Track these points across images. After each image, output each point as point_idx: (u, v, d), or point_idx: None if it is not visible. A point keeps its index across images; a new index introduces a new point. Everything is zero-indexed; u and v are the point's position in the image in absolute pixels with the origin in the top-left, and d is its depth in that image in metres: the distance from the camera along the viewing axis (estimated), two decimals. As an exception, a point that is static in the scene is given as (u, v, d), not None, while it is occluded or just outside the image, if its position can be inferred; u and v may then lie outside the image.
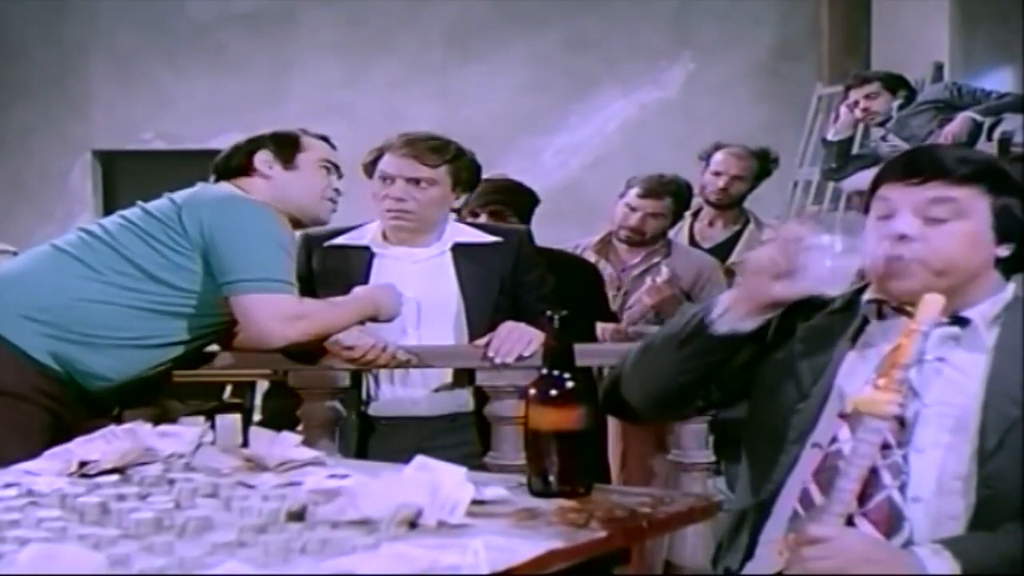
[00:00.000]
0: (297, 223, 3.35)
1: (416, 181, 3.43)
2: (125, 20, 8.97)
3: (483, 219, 4.02)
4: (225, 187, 3.31)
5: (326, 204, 3.37)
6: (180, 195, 3.22)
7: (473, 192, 3.67)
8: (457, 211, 3.74)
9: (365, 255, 3.48)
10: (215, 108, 8.78)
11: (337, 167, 3.41)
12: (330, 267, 3.47)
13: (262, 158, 3.33)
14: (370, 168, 3.52)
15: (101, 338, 3.09)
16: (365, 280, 3.41)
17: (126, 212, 3.23)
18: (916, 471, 2.03)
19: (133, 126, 9.08)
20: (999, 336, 2.11)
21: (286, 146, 3.37)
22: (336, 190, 3.39)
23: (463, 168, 3.51)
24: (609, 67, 8.75)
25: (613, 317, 4.37)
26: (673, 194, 4.74)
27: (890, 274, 2.12)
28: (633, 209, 4.69)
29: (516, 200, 4.22)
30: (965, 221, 2.12)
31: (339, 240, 3.52)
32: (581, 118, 8.76)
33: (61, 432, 2.65)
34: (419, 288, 3.38)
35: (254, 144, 3.37)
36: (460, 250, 3.47)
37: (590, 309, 4.18)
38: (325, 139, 3.45)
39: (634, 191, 4.71)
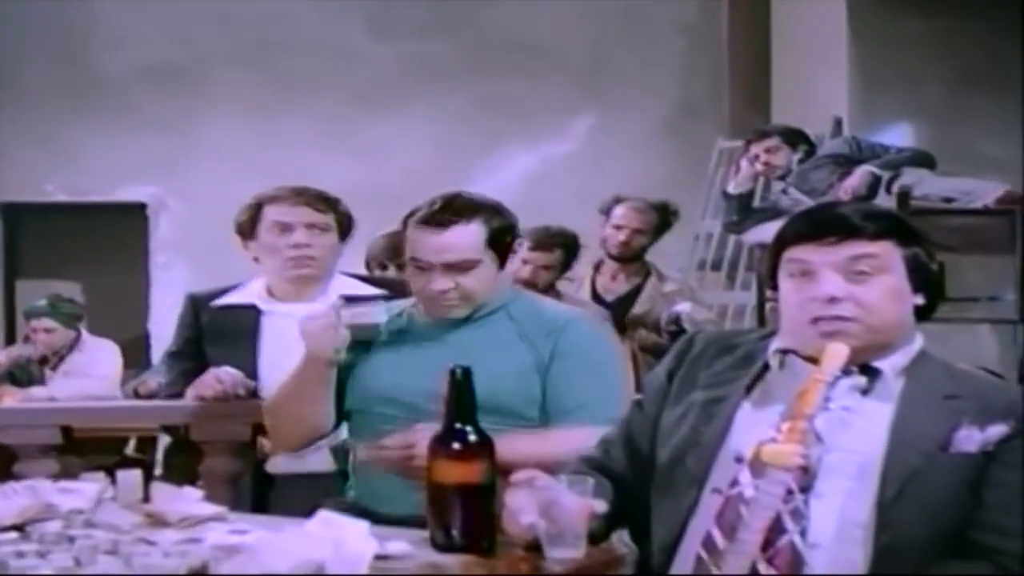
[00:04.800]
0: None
1: (316, 227, 3.44)
2: (31, 71, 8.85)
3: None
4: None
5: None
6: None
7: (345, 242, 3.61)
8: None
9: (252, 313, 3.47)
10: (121, 161, 8.67)
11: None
12: (219, 327, 3.46)
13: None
14: (248, 226, 3.50)
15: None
16: (255, 338, 3.40)
17: None
18: (816, 517, 2.05)
19: (36, 178, 8.93)
20: (905, 386, 2.14)
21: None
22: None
23: (344, 216, 3.54)
24: (517, 123, 8.81)
25: None
26: (562, 246, 4.83)
27: (824, 335, 2.13)
28: (525, 262, 4.75)
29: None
30: (887, 275, 2.15)
31: (225, 300, 3.51)
32: (487, 172, 8.79)
33: None
34: None
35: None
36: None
37: None
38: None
39: (524, 244, 4.75)
